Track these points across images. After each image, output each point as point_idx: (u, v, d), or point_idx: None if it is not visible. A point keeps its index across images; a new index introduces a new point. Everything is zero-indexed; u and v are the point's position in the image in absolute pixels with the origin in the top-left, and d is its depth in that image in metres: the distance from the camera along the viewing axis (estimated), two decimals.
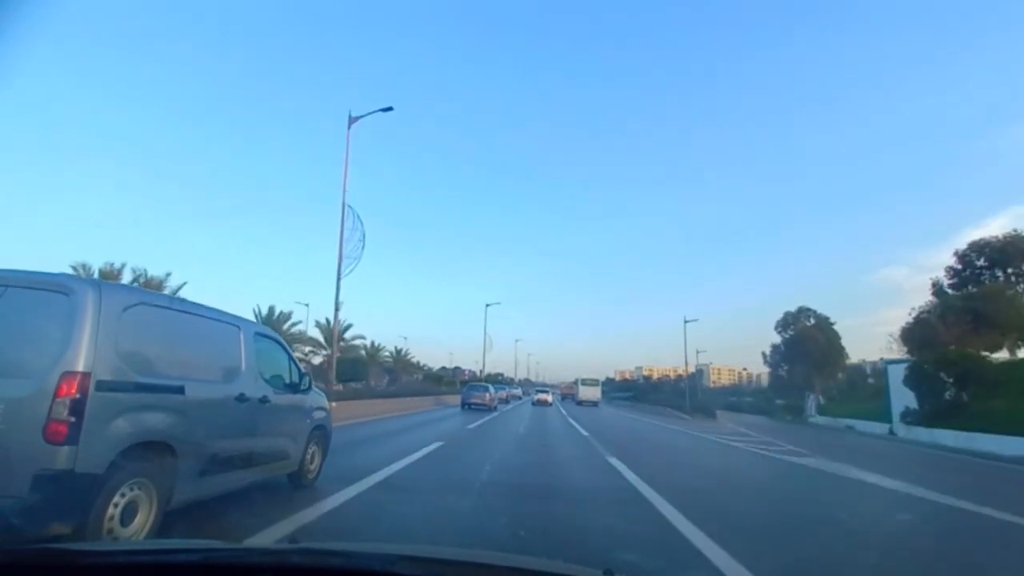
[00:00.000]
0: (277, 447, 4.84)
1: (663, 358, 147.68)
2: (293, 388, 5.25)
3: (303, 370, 5.62)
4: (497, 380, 53.50)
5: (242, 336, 4.33)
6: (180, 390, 3.45)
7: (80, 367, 2.77)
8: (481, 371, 49.80)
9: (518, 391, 53.93)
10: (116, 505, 2.93)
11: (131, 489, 3.04)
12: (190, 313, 3.82)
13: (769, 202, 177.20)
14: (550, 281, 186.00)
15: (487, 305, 47.35)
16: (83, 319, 2.86)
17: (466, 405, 24.37)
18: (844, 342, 40.82)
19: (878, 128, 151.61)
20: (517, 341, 76.89)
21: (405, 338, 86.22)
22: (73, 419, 2.71)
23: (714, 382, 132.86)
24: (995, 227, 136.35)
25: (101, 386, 2.84)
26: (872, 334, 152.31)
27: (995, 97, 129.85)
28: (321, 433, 5.90)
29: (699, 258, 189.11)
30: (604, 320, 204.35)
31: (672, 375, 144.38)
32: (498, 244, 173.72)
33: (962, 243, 31.91)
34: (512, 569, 1.22)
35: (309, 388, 5.64)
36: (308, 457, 5.50)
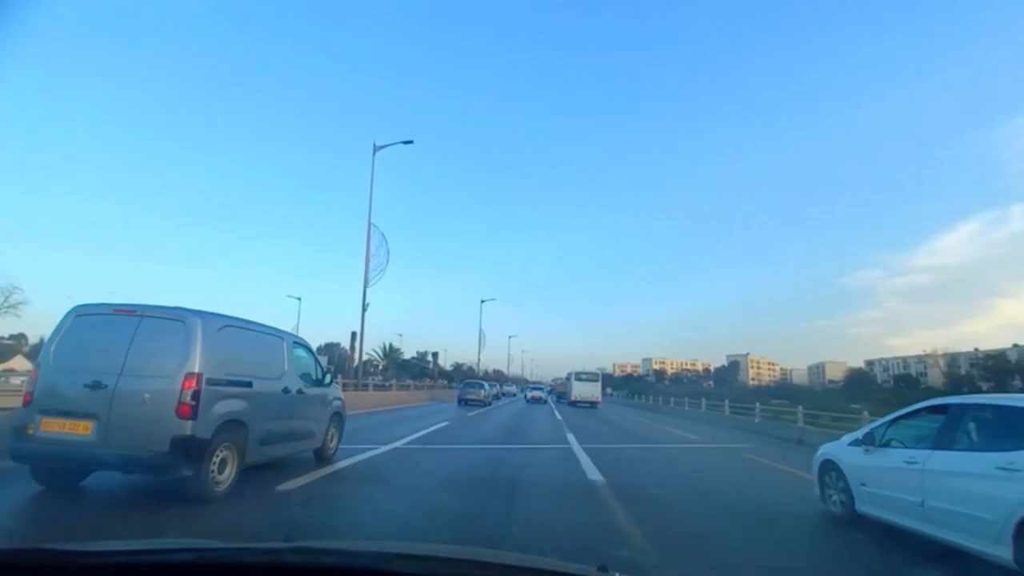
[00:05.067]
0: (307, 428, 6.85)
1: (675, 350, 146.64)
2: (318, 383, 7.24)
3: (325, 368, 7.64)
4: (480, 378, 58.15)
5: (285, 345, 6.32)
6: (249, 384, 5.41)
7: (197, 369, 4.72)
8: (477, 365, 56.25)
9: (512, 388, 61.96)
10: (216, 459, 4.92)
11: (223, 450, 5.01)
12: (254, 330, 5.81)
13: (758, 201, 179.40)
14: (544, 274, 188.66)
15: (483, 301, 48.09)
16: (195, 338, 4.81)
17: (462, 401, 28.05)
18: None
19: (854, 134, 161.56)
20: (511, 337, 76.68)
21: (400, 335, 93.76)
22: (194, 403, 4.66)
23: (753, 379, 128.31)
24: (965, 232, 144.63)
25: (209, 382, 4.80)
26: (846, 335, 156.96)
27: (965, 105, 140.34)
28: (338, 418, 7.93)
29: (698, 252, 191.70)
30: (603, 313, 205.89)
31: (693, 369, 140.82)
32: (491, 238, 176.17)
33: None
34: (507, 566, 1.31)
35: (330, 383, 7.66)
36: (328, 437, 7.52)
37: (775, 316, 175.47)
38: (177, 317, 4.95)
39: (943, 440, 4.48)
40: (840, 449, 5.80)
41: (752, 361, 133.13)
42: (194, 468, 4.69)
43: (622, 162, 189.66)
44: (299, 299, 49.25)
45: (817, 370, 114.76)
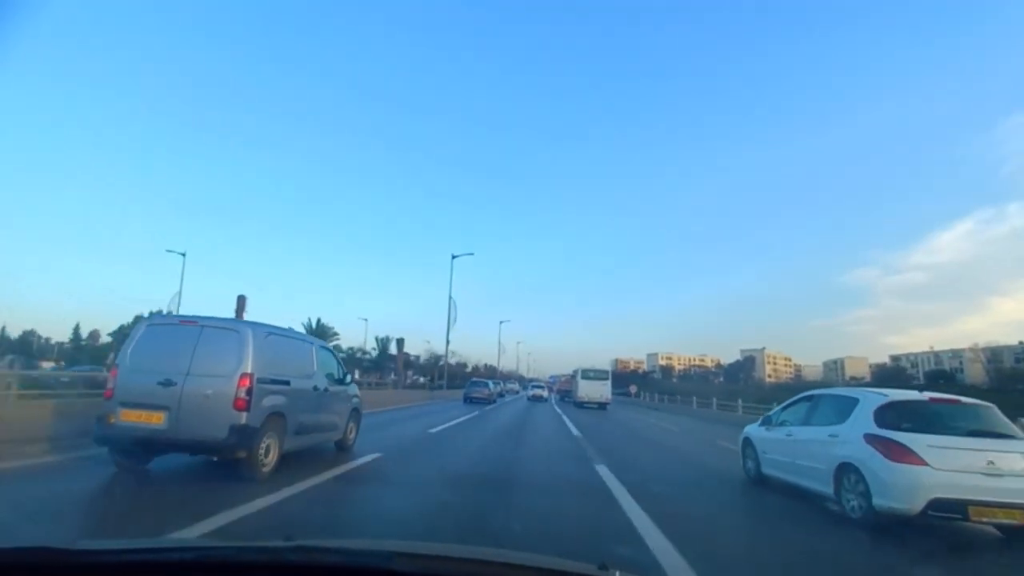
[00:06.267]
0: (331, 421, 8.23)
1: (680, 346, 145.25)
2: (340, 382, 8.63)
3: (345, 369, 8.98)
4: (477, 374, 54.60)
5: (313, 349, 7.71)
6: (288, 383, 6.79)
7: (249, 370, 6.10)
8: (446, 350, 40.51)
9: (515, 386, 63.26)
10: (263, 445, 6.26)
11: (268, 438, 6.38)
12: (290, 337, 7.19)
13: (757, 200, 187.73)
14: (541, 269, 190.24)
15: (454, 256, 36.76)
16: (247, 345, 6.17)
17: (468, 399, 30.23)
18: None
19: (852, 133, 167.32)
20: (502, 322, 67.72)
21: (365, 320, 75.51)
22: (248, 397, 6.02)
23: (770, 375, 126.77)
24: (961, 230, 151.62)
25: (258, 381, 6.15)
26: (844, 333, 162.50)
27: (962, 104, 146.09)
28: (356, 414, 9.30)
29: (699, 250, 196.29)
30: (602, 309, 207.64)
31: (702, 365, 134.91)
32: (488, 235, 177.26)
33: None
34: (507, 564, 1.37)
35: (350, 382, 9.02)
36: (348, 430, 8.89)
37: (774, 314, 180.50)
38: (232, 327, 6.31)
39: (807, 419, 6.61)
40: (755, 429, 7.82)
41: (769, 356, 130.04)
42: (247, 451, 6.03)
43: (618, 161, 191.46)
44: (183, 255, 37.87)
45: (835, 366, 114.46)
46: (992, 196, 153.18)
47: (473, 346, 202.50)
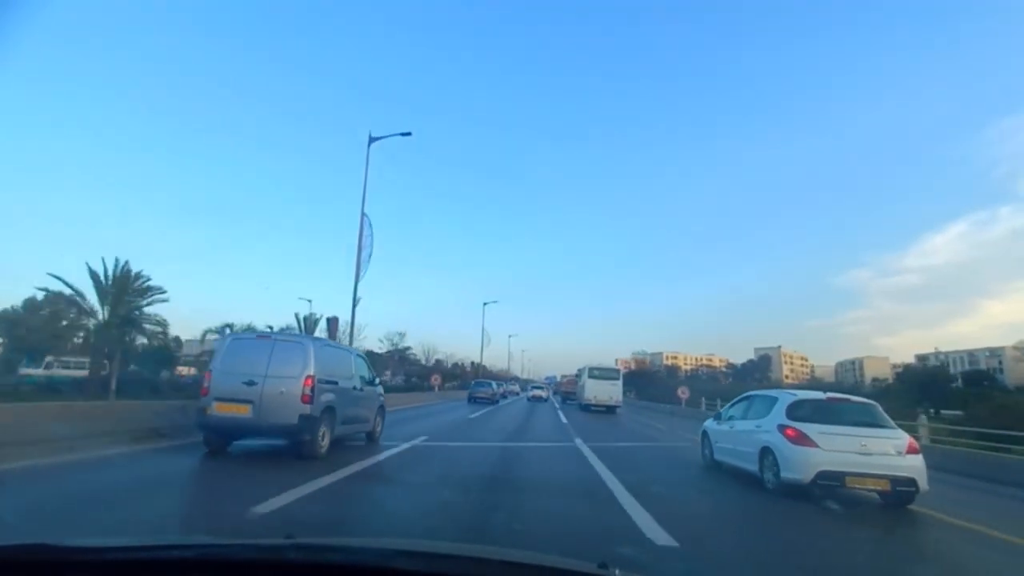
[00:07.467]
0: (364, 416, 10.32)
1: (685, 345, 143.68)
2: (370, 382, 10.70)
3: (373, 372, 11.08)
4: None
5: (352, 356, 9.80)
6: (336, 383, 8.85)
7: (312, 373, 8.14)
8: (351, 325, 27.52)
9: (515, 387, 64.77)
10: (321, 431, 8.31)
11: (324, 426, 8.43)
12: (337, 348, 9.29)
13: (753, 201, 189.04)
14: (536, 267, 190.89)
15: (372, 139, 24.01)
16: (310, 353, 8.24)
17: (473, 399, 32.80)
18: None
19: (844, 133, 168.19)
20: (486, 304, 59.33)
21: (309, 301, 56.63)
22: (311, 394, 8.08)
23: (787, 375, 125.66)
24: (954, 232, 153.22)
25: (318, 381, 8.21)
26: (839, 334, 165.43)
27: (955, 107, 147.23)
28: (382, 410, 11.40)
29: (697, 251, 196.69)
30: (600, 308, 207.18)
31: (710, 364, 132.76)
32: (483, 230, 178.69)
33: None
34: (507, 563, 1.40)
35: (378, 383, 11.13)
36: (376, 423, 10.97)
37: (774, 315, 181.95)
38: (298, 340, 8.43)
39: (745, 414, 8.48)
40: (710, 423, 9.81)
41: (785, 355, 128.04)
42: (311, 435, 8.08)
43: (619, 161, 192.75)
44: None
45: (852, 367, 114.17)
46: (986, 198, 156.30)
47: (465, 344, 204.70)
